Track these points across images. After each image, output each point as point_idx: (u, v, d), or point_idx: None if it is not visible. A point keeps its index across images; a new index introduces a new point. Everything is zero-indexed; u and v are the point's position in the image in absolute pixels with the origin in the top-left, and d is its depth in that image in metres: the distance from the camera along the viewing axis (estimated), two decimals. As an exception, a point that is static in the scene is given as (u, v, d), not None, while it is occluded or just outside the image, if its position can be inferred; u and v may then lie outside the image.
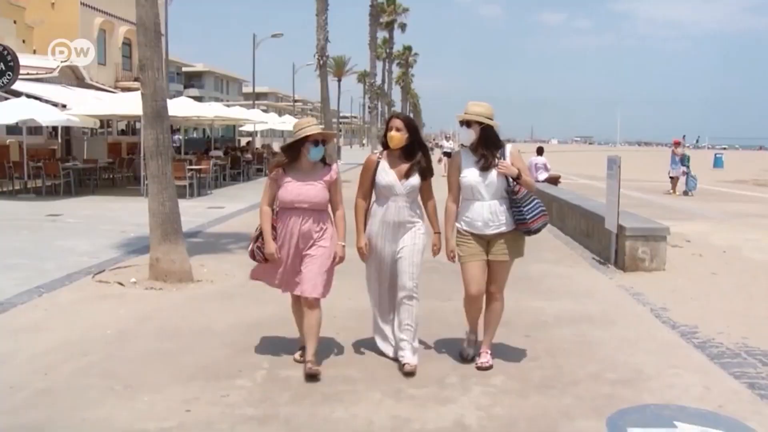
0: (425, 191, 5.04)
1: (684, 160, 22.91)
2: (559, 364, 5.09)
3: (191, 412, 4.11)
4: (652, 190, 23.01)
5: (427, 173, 4.98)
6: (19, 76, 18.62)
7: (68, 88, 21.75)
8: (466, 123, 4.89)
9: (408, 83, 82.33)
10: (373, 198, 5.04)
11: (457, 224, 4.97)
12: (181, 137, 33.83)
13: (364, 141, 44.15)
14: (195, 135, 44.50)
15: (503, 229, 4.84)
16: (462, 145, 5.12)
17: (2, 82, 16.89)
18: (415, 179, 4.91)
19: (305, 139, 4.75)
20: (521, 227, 4.84)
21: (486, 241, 4.89)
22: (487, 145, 4.87)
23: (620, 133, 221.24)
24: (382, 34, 50.43)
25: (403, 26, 55.16)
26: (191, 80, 75.61)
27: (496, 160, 4.83)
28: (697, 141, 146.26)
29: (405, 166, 4.92)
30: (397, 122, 4.93)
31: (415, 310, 4.91)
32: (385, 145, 5.02)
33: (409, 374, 4.73)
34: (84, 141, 22.72)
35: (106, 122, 23.51)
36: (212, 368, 4.85)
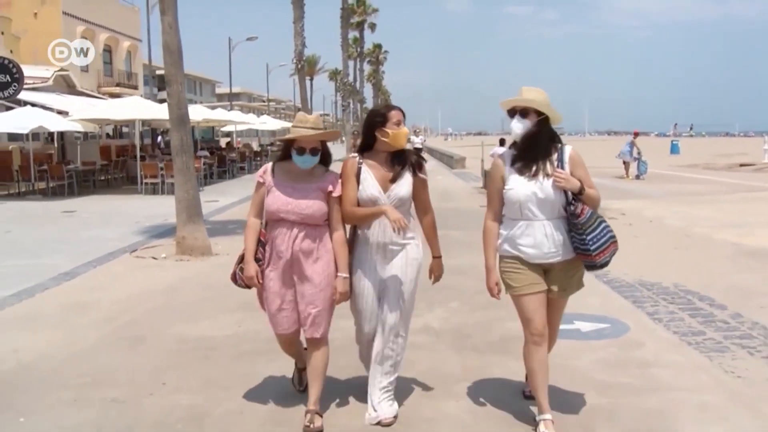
0: (420, 200, 4.08)
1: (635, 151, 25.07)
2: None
3: (242, 327, 5.94)
4: (607, 174, 25.12)
5: (417, 171, 4.04)
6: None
7: (63, 96, 23.23)
8: (520, 112, 3.80)
9: (379, 80, 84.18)
10: None
11: (501, 250, 3.95)
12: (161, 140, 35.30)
13: (342, 138, 45.46)
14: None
15: (559, 258, 3.81)
16: (511, 143, 4.00)
17: (9, 93, 18.39)
18: (403, 187, 3.97)
19: (291, 142, 3.95)
20: (584, 259, 3.82)
21: (542, 269, 3.88)
22: (540, 144, 3.80)
23: (589, 122, 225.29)
24: (352, 34, 52.14)
25: (372, 26, 57.18)
26: (163, 83, 76.58)
27: (551, 168, 3.77)
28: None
29: (389, 172, 3.98)
30: (399, 114, 4.00)
31: (395, 356, 4.13)
32: (364, 146, 4.08)
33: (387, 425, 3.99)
34: (77, 145, 24.17)
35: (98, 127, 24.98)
36: (250, 304, 6.55)
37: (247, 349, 5.35)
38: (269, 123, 38.87)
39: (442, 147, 57.37)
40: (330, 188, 3.95)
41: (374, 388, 4.08)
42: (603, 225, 3.77)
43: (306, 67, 29.33)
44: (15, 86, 18.43)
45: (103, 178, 22.77)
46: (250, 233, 4.05)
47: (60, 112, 20.38)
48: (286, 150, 4.00)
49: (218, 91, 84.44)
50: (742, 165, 34.91)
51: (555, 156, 3.80)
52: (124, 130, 31.53)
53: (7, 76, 18.40)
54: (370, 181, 3.95)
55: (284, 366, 4.72)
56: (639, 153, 24.88)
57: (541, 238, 3.77)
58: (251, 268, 4.00)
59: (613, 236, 3.80)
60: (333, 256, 3.99)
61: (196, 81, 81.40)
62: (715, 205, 15.29)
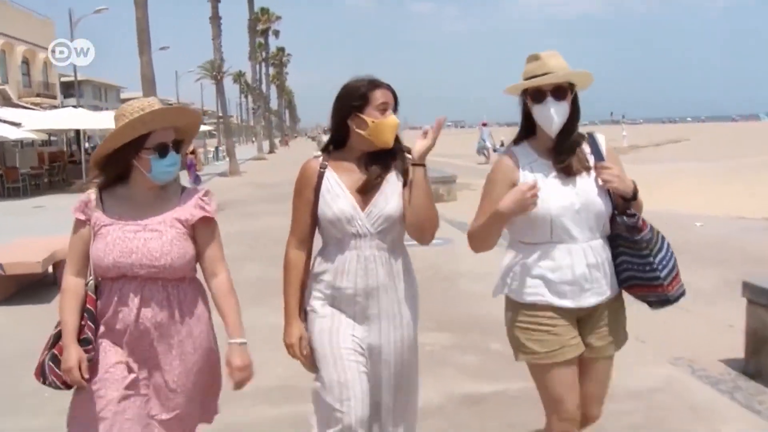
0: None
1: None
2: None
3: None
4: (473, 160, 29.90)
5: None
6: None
7: (5, 108, 25.76)
8: (553, 92, 2.52)
9: (283, 82, 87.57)
10: (318, 245, 2.76)
11: (514, 292, 2.67)
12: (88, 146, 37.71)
13: (253, 139, 47.38)
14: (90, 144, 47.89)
15: (604, 297, 2.61)
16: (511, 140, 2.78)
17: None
18: (391, 201, 2.62)
19: (142, 140, 2.45)
20: (647, 293, 2.60)
21: (575, 319, 2.63)
22: (571, 132, 2.60)
23: (497, 115, 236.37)
24: (258, 40, 55.49)
25: (276, 33, 60.83)
26: (69, 90, 76.74)
27: (587, 163, 2.59)
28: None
29: (369, 179, 2.63)
30: (387, 95, 2.64)
31: None
32: (331, 143, 2.73)
33: None
34: (16, 152, 26.71)
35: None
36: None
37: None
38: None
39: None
40: (200, 212, 2.57)
41: None
42: (667, 242, 2.62)
43: (215, 73, 32.52)
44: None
45: (46, 180, 25.55)
46: (69, 301, 2.55)
47: (9, 123, 23.01)
48: (123, 165, 2.54)
49: (123, 95, 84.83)
50: (607, 149, 40.94)
51: (586, 148, 2.63)
52: (52, 138, 33.93)
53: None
54: (339, 191, 2.63)
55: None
56: (493, 141, 29.90)
57: (582, 271, 2.55)
58: (72, 355, 2.46)
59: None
60: (208, 323, 2.65)
61: (101, 87, 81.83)
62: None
